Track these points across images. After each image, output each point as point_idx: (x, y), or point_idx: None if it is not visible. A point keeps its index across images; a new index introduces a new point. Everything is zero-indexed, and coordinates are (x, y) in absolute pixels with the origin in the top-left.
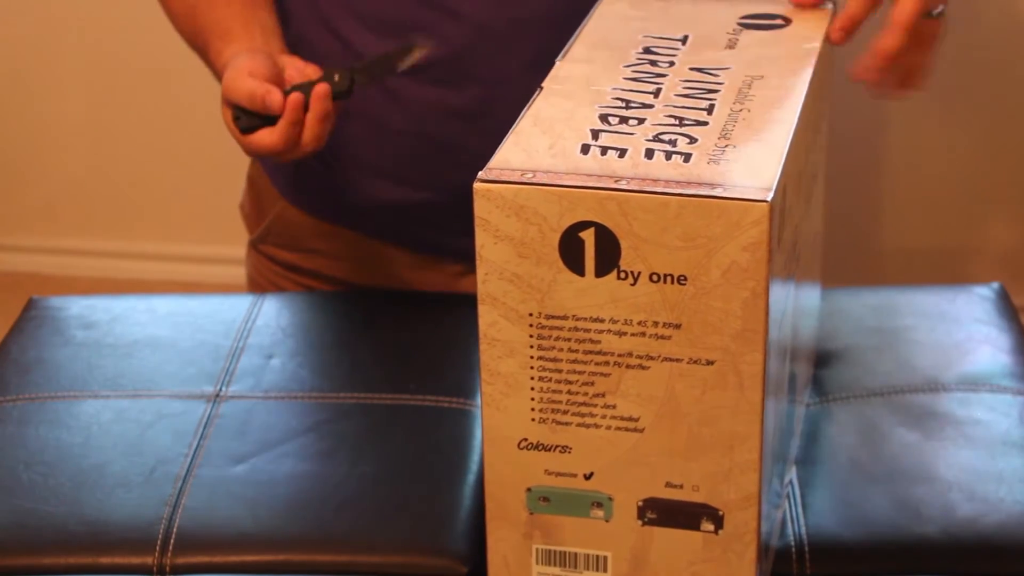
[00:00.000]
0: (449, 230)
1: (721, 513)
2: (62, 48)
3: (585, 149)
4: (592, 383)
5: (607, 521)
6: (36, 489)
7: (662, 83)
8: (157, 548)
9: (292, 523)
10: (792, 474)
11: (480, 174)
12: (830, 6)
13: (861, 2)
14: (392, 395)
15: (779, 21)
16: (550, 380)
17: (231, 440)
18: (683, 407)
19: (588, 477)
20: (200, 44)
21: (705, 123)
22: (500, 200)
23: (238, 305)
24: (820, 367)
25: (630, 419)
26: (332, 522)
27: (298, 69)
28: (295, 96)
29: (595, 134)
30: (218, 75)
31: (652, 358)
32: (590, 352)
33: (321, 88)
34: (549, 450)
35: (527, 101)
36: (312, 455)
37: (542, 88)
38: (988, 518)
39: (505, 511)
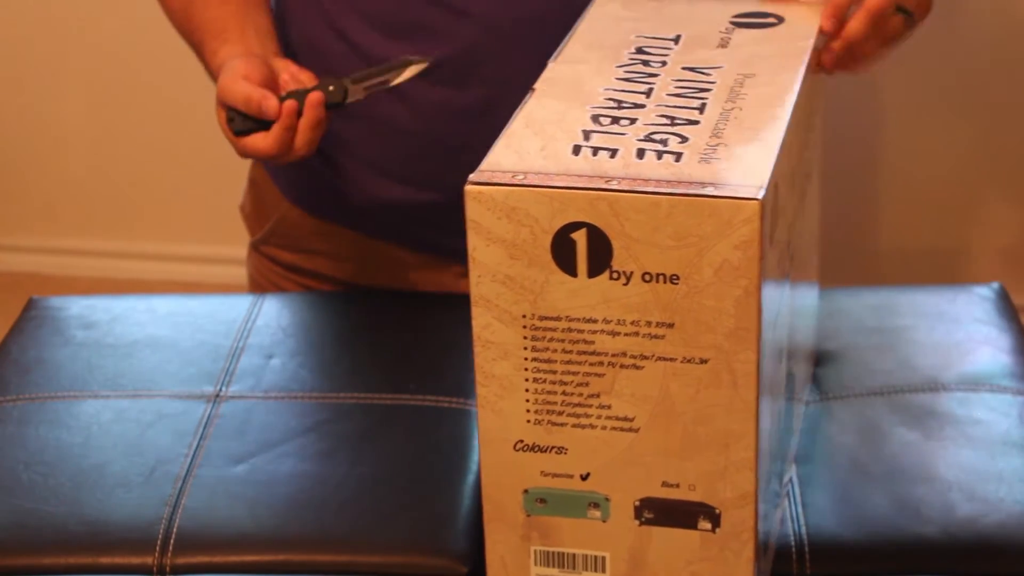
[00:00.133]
0: (452, 230)
1: (718, 512)
2: (62, 48)
3: (576, 150)
4: (587, 384)
5: (604, 521)
6: (36, 489)
7: (654, 83)
8: (157, 548)
9: (292, 523)
10: (792, 473)
11: (471, 176)
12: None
13: None
14: (392, 395)
15: (771, 19)
16: (544, 381)
17: (231, 440)
18: (678, 406)
19: (584, 478)
20: (195, 41)
21: (696, 122)
22: (491, 202)
23: (238, 305)
24: (820, 367)
25: (625, 419)
26: (332, 522)
27: (292, 74)
28: (289, 103)
29: (587, 135)
30: (212, 74)
31: (646, 358)
32: (584, 353)
33: (315, 96)
34: (545, 451)
35: None
36: (312, 455)
37: (534, 90)
38: (988, 518)
39: (502, 513)
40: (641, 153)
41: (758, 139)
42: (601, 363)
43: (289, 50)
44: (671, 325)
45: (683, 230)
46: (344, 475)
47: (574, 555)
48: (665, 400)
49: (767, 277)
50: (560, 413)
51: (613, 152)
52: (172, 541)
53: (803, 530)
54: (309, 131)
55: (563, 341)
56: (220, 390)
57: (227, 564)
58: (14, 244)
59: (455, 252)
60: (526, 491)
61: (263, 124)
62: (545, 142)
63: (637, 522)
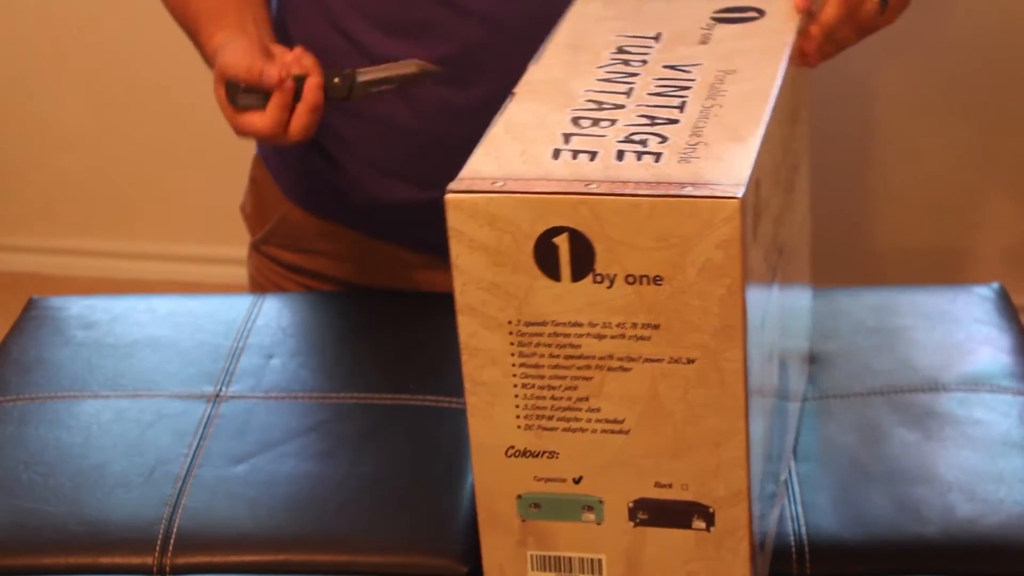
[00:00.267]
0: None
1: (712, 510)
2: (63, 48)
3: (556, 154)
4: (575, 387)
5: (599, 524)
6: (36, 489)
7: (634, 83)
8: (157, 548)
9: (292, 523)
10: (787, 473)
11: (451, 185)
12: None
13: None
14: (392, 395)
15: (752, 13)
16: (533, 387)
17: (231, 440)
18: (667, 406)
19: (577, 481)
20: (192, 28)
21: (676, 121)
22: (473, 210)
23: (238, 305)
24: (820, 366)
25: (615, 421)
26: (332, 522)
27: (296, 56)
28: (288, 82)
29: (566, 138)
30: (208, 58)
31: (633, 359)
32: (571, 357)
33: (314, 80)
34: (537, 456)
35: None
36: (312, 455)
37: (514, 94)
38: (988, 518)
39: (497, 519)
40: (621, 155)
41: (738, 136)
42: (588, 366)
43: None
44: (656, 326)
45: (665, 231)
46: (344, 475)
47: (570, 558)
48: (654, 401)
49: (752, 275)
50: (550, 418)
51: (593, 155)
52: (172, 541)
53: (803, 530)
54: (306, 114)
55: (550, 346)
56: (220, 390)
57: (227, 564)
58: (14, 244)
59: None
60: (520, 497)
61: (262, 100)
62: (525, 147)
63: (632, 523)
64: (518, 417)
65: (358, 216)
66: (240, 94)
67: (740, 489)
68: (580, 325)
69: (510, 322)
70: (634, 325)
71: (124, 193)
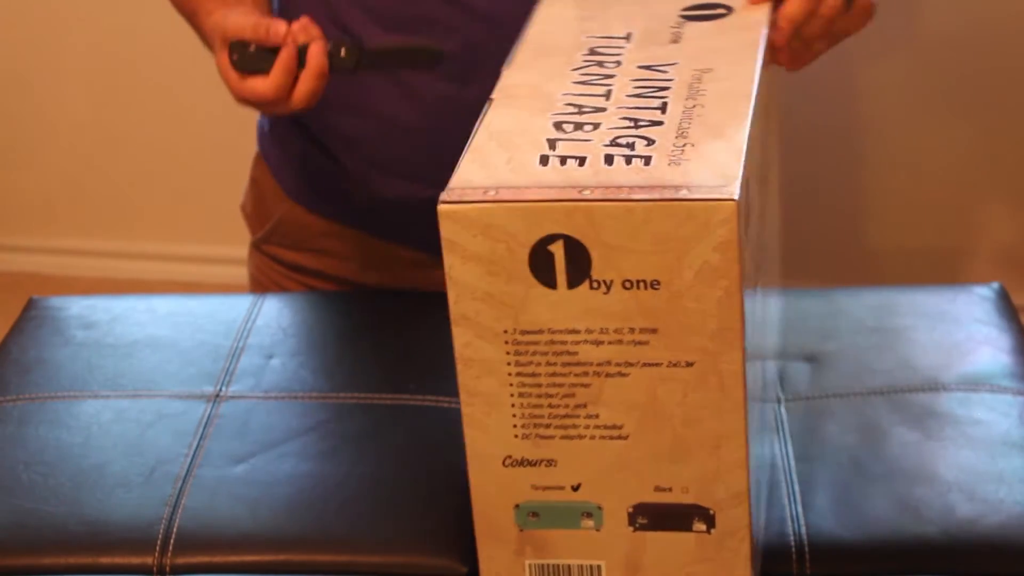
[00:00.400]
0: None
1: (712, 512)
2: (62, 48)
3: (544, 160)
4: (573, 395)
5: (598, 530)
6: (36, 489)
7: (611, 84)
8: (157, 548)
9: (292, 523)
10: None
11: (443, 195)
12: None
13: None
14: (392, 395)
15: (721, 10)
16: (530, 395)
17: (231, 440)
18: (666, 410)
19: (576, 488)
20: (188, 11)
21: (660, 123)
22: (466, 220)
23: (238, 305)
24: (820, 366)
25: (614, 427)
26: (332, 522)
27: (303, 25)
28: (291, 46)
29: (552, 144)
30: (207, 36)
31: (631, 364)
32: (568, 364)
33: (319, 45)
34: (535, 465)
35: None
36: (312, 455)
37: (492, 100)
38: (988, 518)
39: (495, 530)
40: (610, 159)
41: (724, 136)
42: (586, 373)
43: None
44: (654, 330)
45: (661, 235)
46: (344, 475)
47: (569, 566)
48: (653, 405)
49: (745, 275)
50: (548, 426)
51: (581, 160)
52: (172, 541)
53: (803, 530)
54: (311, 80)
55: (547, 354)
56: (220, 390)
57: (227, 564)
58: (14, 244)
59: None
60: (517, 506)
61: (267, 64)
62: (511, 154)
63: (631, 528)
64: (515, 426)
65: (359, 214)
66: (245, 57)
67: (741, 490)
68: (577, 332)
69: (506, 331)
70: (632, 330)
71: (124, 193)
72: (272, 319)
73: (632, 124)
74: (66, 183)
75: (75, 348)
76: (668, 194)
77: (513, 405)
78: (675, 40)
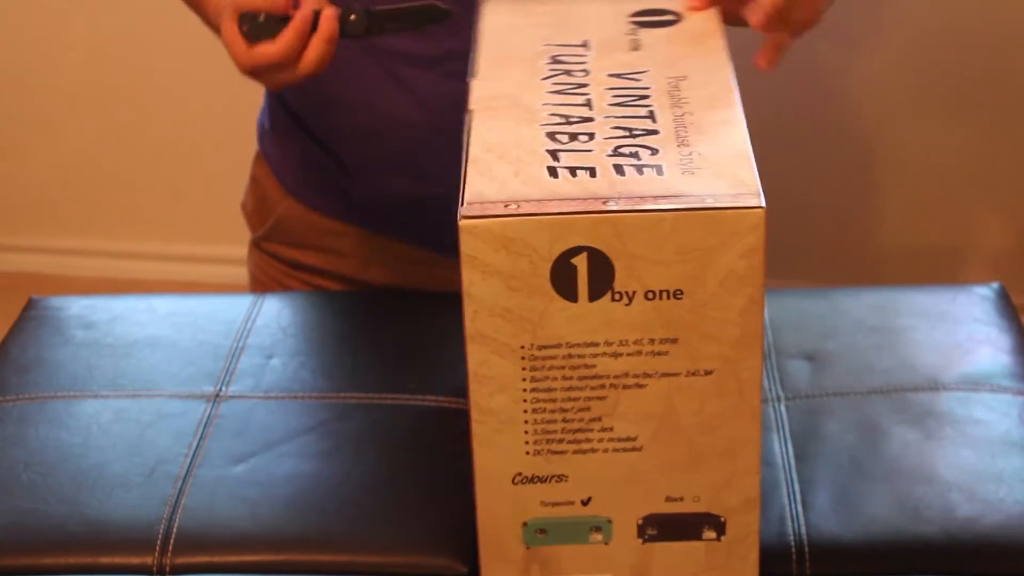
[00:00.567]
0: (452, 225)
1: (723, 519)
2: (62, 48)
3: (553, 172)
4: (588, 408)
5: (607, 544)
6: (36, 489)
7: (588, 93)
8: (157, 548)
9: (292, 523)
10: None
11: (462, 211)
12: None
13: None
14: (392, 395)
15: (669, 16)
16: (544, 411)
17: (231, 440)
18: (682, 420)
19: (586, 503)
20: None
21: (656, 131)
22: (488, 235)
23: (238, 305)
24: (820, 365)
25: (628, 439)
26: (332, 522)
27: None
28: (306, 10)
29: (554, 155)
30: (209, 16)
31: (649, 375)
32: (585, 378)
33: (330, 10)
34: (545, 481)
35: None
36: (312, 455)
37: (472, 111)
38: (988, 518)
39: (501, 549)
40: (620, 169)
41: (727, 144)
42: (603, 386)
43: None
44: (675, 340)
45: (687, 244)
46: (344, 475)
47: None
48: (669, 416)
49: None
50: (560, 441)
51: (592, 171)
52: (172, 541)
53: (803, 530)
54: (321, 45)
55: (563, 368)
56: (220, 390)
57: (227, 564)
58: (14, 244)
59: (454, 247)
60: (525, 524)
61: (277, 33)
62: (516, 167)
63: (640, 540)
64: (527, 443)
65: (359, 212)
66: (256, 26)
67: (752, 496)
68: (596, 345)
69: (523, 347)
70: (651, 341)
71: (124, 193)
72: (272, 319)
73: (627, 133)
74: (66, 183)
75: (75, 348)
76: (695, 203)
77: (526, 422)
78: (635, 48)
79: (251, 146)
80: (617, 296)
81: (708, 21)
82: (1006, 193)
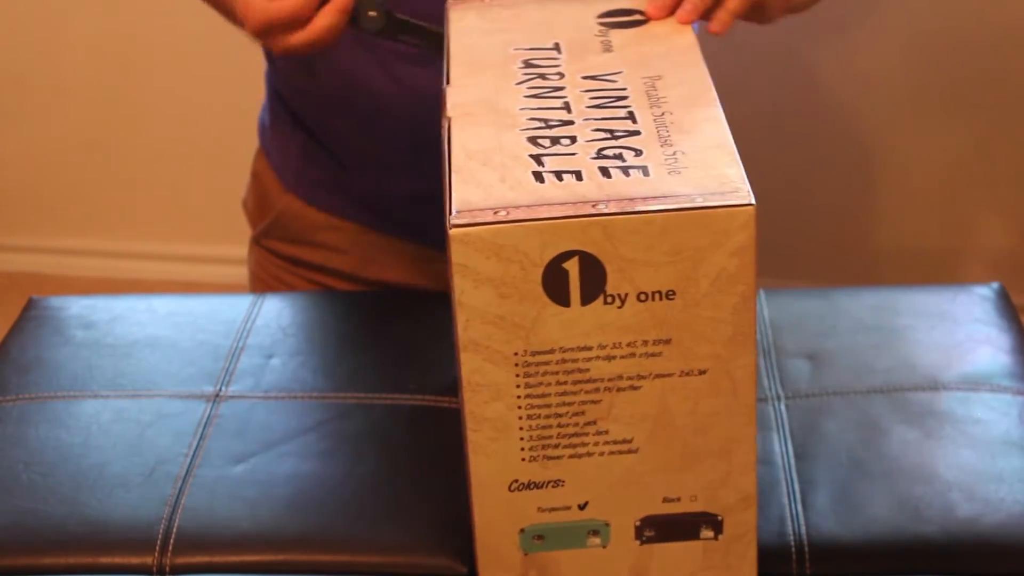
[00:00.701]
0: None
1: (720, 518)
2: (62, 48)
3: (539, 177)
4: (583, 412)
5: (604, 547)
6: (36, 489)
7: (565, 96)
8: (157, 548)
9: (292, 523)
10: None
11: (452, 219)
12: None
13: None
14: (392, 395)
15: (636, 16)
16: (539, 417)
17: (231, 440)
18: (677, 420)
19: (583, 507)
20: None
21: (637, 132)
22: (479, 243)
23: (238, 305)
24: (820, 364)
25: (624, 441)
26: (332, 522)
27: None
28: None
29: (538, 159)
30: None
31: (643, 377)
32: (579, 382)
33: None
34: (541, 487)
35: None
36: (312, 455)
37: (450, 118)
38: (988, 518)
39: (498, 557)
40: (606, 172)
41: (710, 142)
42: (597, 389)
43: None
44: (668, 341)
45: (677, 245)
46: (344, 475)
47: None
48: (664, 416)
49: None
50: (556, 446)
51: (577, 174)
52: (172, 541)
53: (803, 530)
54: (334, 13)
55: (557, 373)
56: (220, 390)
57: (227, 564)
58: (14, 244)
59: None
60: (522, 530)
61: None
62: (501, 172)
63: (638, 542)
64: (522, 450)
65: (358, 208)
66: None
67: (749, 493)
68: (589, 349)
69: (516, 354)
70: (645, 343)
71: (124, 193)
72: (272, 319)
73: (609, 135)
74: (66, 183)
75: (75, 348)
76: (684, 203)
77: (521, 428)
78: (608, 49)
79: (251, 146)
80: (609, 299)
81: (676, 23)
82: (1006, 193)
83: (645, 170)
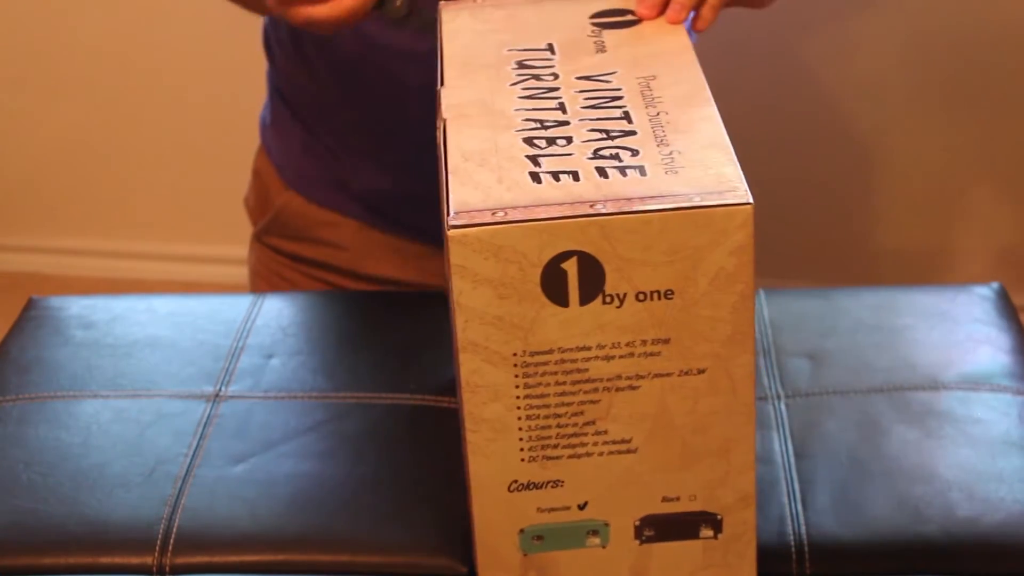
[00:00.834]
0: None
1: (720, 517)
2: (62, 49)
3: (536, 177)
4: (581, 412)
5: (604, 547)
6: (36, 489)
7: (560, 96)
8: (157, 548)
9: (292, 523)
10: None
11: (450, 220)
12: None
13: None
14: (392, 395)
15: (629, 16)
16: (538, 417)
17: (231, 440)
18: (676, 420)
19: (582, 507)
20: None
21: (633, 132)
22: (477, 244)
23: (238, 305)
24: (819, 363)
25: (623, 441)
26: (332, 522)
27: None
28: None
29: (534, 160)
30: None
31: (642, 377)
32: (578, 382)
33: None
34: (541, 487)
35: None
36: (312, 455)
37: (445, 119)
38: (988, 518)
39: (497, 558)
40: (603, 172)
41: (706, 141)
42: (596, 389)
43: (292, 35)
44: (667, 341)
45: (676, 244)
46: (344, 475)
47: None
48: (663, 416)
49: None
50: (555, 446)
51: (574, 174)
52: (172, 541)
53: (803, 529)
54: None
55: (555, 373)
56: (220, 390)
57: (227, 564)
58: (14, 244)
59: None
60: (522, 531)
61: None
62: (498, 174)
63: (638, 542)
64: (522, 450)
65: (357, 205)
66: None
67: (748, 492)
68: (588, 349)
69: (515, 354)
70: (643, 342)
71: (124, 193)
72: (272, 319)
73: (605, 135)
74: (66, 183)
75: (75, 348)
76: (683, 202)
77: (520, 429)
78: (601, 50)
79: (251, 146)
80: (608, 299)
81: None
82: (1006, 193)
83: (642, 170)
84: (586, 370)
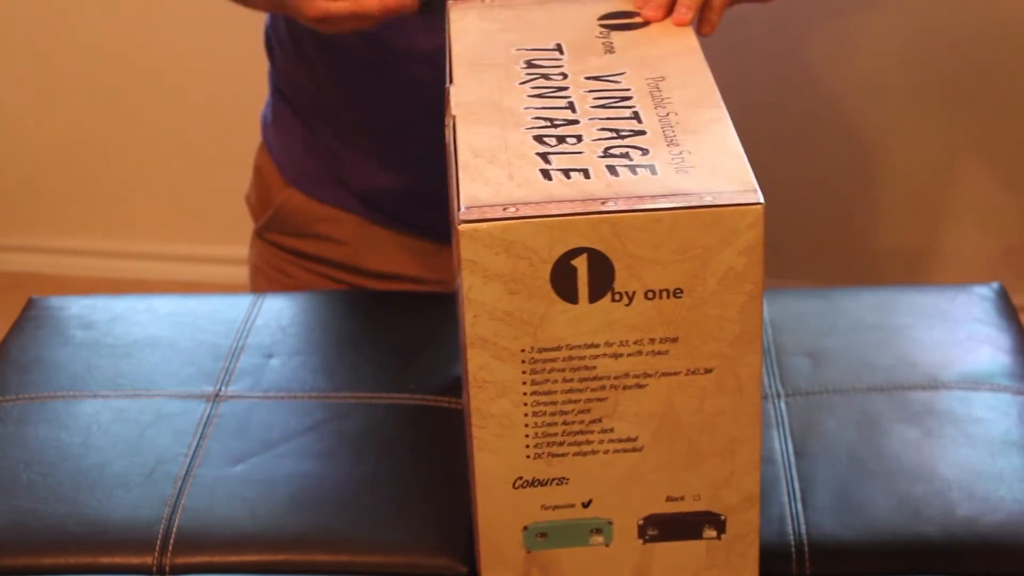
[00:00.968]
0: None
1: (723, 517)
2: (62, 49)
3: (547, 174)
4: (588, 410)
5: (607, 546)
6: (36, 489)
7: (569, 96)
8: (157, 548)
9: (292, 523)
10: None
11: (461, 215)
12: None
13: None
14: (392, 394)
15: (637, 18)
16: (544, 414)
17: (231, 440)
18: (682, 419)
19: (586, 505)
20: None
21: (643, 132)
22: (488, 239)
23: (238, 305)
24: (819, 362)
25: (628, 440)
26: (332, 522)
27: None
28: None
29: (545, 157)
30: None
31: (649, 375)
32: (585, 379)
33: None
34: (545, 484)
35: None
36: (312, 455)
37: (455, 116)
38: (988, 518)
39: (500, 554)
40: (613, 170)
41: (717, 142)
42: (603, 387)
43: (292, 35)
44: (675, 339)
45: (686, 243)
46: (344, 475)
47: None
48: (669, 415)
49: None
50: (561, 444)
51: (585, 172)
52: (172, 541)
53: (803, 529)
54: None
55: (563, 370)
56: (220, 390)
57: (227, 564)
58: (14, 244)
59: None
60: (526, 528)
61: None
62: (508, 170)
63: (641, 541)
64: (527, 447)
65: (357, 201)
66: None
67: (753, 493)
68: (596, 346)
69: (523, 350)
70: (651, 341)
71: (124, 193)
72: (272, 319)
73: (615, 135)
74: (67, 183)
75: (74, 348)
76: (693, 201)
77: (527, 425)
78: (610, 51)
79: (251, 146)
80: (617, 296)
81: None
82: (1005, 193)
83: (652, 168)
84: (594, 368)
